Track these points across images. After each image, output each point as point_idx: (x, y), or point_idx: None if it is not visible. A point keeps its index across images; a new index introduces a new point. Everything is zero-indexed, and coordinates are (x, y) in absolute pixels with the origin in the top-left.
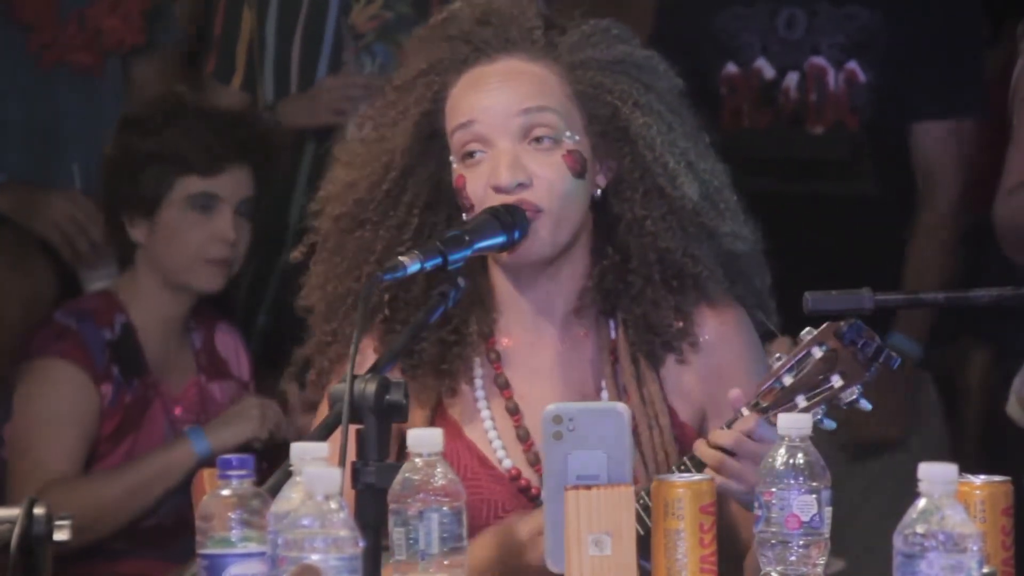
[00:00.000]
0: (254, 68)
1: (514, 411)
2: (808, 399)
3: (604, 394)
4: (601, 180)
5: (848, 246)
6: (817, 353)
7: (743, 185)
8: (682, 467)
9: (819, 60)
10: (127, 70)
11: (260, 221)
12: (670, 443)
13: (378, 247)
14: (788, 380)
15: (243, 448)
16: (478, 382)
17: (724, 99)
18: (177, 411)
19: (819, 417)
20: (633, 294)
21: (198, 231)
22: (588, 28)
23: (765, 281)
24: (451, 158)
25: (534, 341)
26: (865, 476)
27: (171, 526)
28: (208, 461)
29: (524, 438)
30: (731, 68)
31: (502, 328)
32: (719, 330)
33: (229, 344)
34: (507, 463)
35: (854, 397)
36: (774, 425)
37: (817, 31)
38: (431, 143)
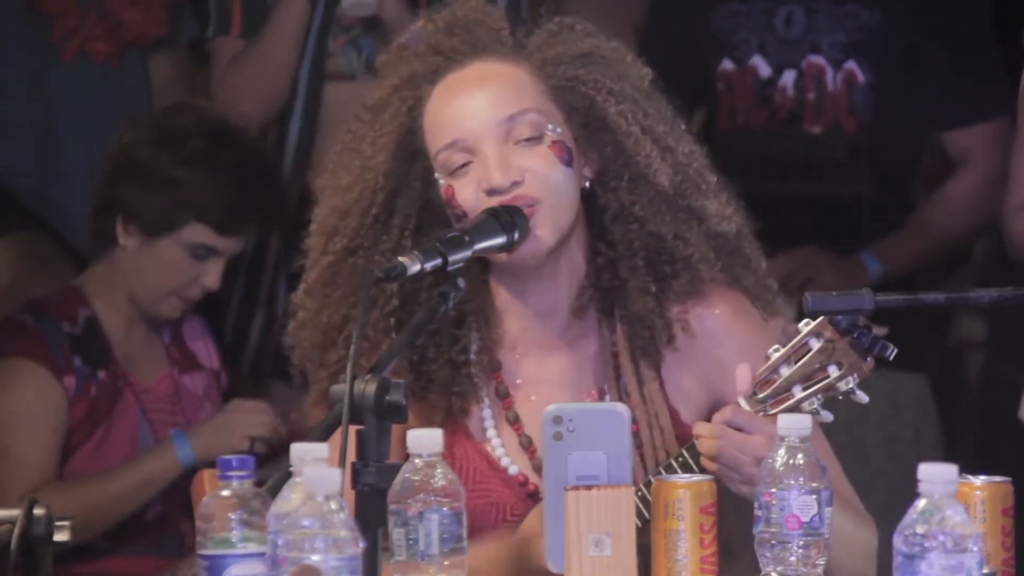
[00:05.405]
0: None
1: (514, 420)
2: (805, 389)
3: (607, 397)
4: (588, 172)
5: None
6: (814, 344)
7: (738, 184)
8: (679, 458)
9: (817, 59)
10: (146, 65)
11: None
12: (671, 443)
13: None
14: (785, 371)
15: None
16: (483, 393)
17: (720, 96)
18: (150, 404)
19: (816, 408)
20: (627, 289)
21: (186, 275)
22: (554, 26)
23: (760, 261)
24: (436, 175)
25: (538, 347)
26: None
27: (154, 521)
28: (192, 468)
29: (527, 446)
30: (727, 65)
31: (505, 337)
32: (718, 319)
33: (197, 334)
34: (513, 469)
35: (850, 387)
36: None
37: (817, 29)
38: (413, 163)
